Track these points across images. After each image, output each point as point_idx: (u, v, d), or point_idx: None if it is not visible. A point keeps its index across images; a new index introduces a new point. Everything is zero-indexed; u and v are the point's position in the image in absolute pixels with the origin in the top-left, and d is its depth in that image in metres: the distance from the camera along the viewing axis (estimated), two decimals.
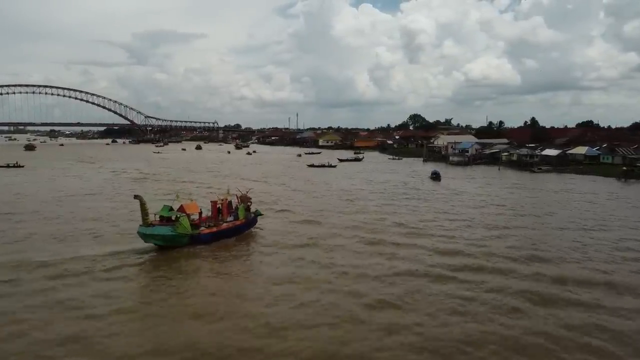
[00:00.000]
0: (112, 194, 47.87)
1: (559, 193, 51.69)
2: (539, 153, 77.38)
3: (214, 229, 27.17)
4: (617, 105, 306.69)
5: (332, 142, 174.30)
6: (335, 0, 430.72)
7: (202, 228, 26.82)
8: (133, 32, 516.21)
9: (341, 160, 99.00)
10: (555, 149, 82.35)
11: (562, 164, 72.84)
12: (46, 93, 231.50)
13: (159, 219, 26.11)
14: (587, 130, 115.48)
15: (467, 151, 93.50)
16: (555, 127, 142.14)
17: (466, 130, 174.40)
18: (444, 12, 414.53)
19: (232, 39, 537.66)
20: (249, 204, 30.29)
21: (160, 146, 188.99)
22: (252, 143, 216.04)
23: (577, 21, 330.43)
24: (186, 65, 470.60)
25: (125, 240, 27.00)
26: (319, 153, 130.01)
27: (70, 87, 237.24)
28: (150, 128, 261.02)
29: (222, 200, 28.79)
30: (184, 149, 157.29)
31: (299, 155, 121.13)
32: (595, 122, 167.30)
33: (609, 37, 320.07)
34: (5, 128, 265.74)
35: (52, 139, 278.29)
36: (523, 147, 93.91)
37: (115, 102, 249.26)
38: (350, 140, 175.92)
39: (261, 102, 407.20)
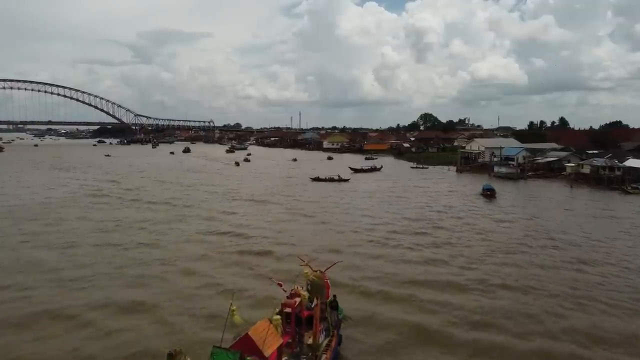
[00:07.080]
0: None
1: None
2: (620, 164, 58.70)
3: None
4: (624, 105, 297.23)
5: (337, 144, 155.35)
6: None
7: None
8: (138, 31, 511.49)
9: (355, 171, 78.79)
10: (635, 157, 63.64)
11: None
12: (46, 92, 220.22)
13: None
14: None
15: (513, 159, 74.65)
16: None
17: (491, 132, 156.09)
18: (450, 12, 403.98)
19: (238, 38, 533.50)
20: (333, 294, 15.56)
21: (156, 147, 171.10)
22: (250, 144, 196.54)
23: (584, 21, 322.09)
24: (191, 65, 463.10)
25: None
26: (331, 159, 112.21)
27: (73, 87, 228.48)
28: (141, 127, 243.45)
29: (301, 296, 13.64)
30: (172, 152, 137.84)
31: (294, 160, 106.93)
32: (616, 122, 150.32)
33: (617, 37, 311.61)
34: (5, 127, 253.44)
35: (40, 138, 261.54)
36: (583, 153, 75.41)
37: (102, 99, 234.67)
38: (358, 142, 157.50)
39: (266, 102, 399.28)
